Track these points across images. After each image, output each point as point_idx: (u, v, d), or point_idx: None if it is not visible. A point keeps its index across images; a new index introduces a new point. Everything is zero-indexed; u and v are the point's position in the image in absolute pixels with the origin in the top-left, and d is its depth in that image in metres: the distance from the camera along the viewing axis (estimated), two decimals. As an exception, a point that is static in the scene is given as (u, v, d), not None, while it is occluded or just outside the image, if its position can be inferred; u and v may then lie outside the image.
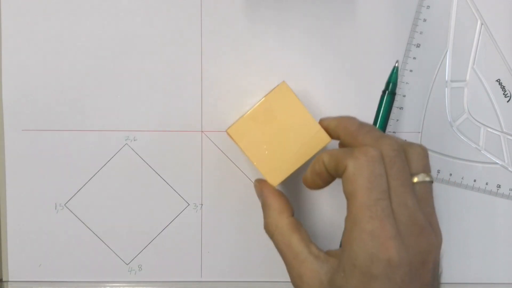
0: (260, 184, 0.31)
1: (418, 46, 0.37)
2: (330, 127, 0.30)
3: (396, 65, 0.32)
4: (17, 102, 0.38)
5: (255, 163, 0.31)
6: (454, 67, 0.37)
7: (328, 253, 0.28)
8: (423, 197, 0.27)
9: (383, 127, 0.31)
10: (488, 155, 0.38)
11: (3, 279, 0.38)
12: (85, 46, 0.38)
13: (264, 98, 0.31)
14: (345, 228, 0.26)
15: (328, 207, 0.38)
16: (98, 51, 0.38)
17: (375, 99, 0.38)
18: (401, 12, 0.37)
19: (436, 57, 0.38)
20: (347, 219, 0.26)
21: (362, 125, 0.29)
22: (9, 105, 0.38)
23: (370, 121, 0.38)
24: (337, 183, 0.29)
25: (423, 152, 0.28)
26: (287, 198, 0.31)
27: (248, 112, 0.31)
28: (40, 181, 0.38)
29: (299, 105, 0.31)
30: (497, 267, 0.38)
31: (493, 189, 0.38)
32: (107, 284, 0.38)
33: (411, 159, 0.27)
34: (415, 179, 0.27)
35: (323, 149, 0.31)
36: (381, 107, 0.31)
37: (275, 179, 0.31)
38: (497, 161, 0.38)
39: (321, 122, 0.31)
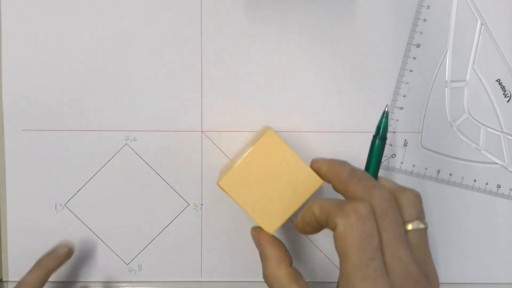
0: (257, 233, 0.31)
1: (418, 46, 0.37)
2: (322, 171, 0.30)
3: (386, 109, 0.31)
4: (17, 102, 0.38)
5: (249, 213, 0.31)
6: (454, 67, 0.37)
7: None
8: (418, 245, 0.26)
9: (375, 172, 0.30)
10: (488, 155, 0.38)
11: (3, 279, 0.38)
12: (85, 46, 0.38)
13: (252, 148, 0.31)
14: (339, 285, 0.25)
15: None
16: (98, 51, 0.38)
17: (375, 99, 0.38)
18: (401, 12, 0.37)
19: (436, 57, 0.37)
20: (340, 276, 0.25)
21: (353, 172, 0.28)
22: (9, 105, 0.38)
23: (370, 121, 0.38)
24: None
25: (416, 198, 0.27)
26: (285, 246, 0.30)
27: (237, 163, 0.31)
28: (40, 181, 0.38)
29: (288, 150, 0.31)
30: (497, 267, 0.38)
31: (493, 189, 0.38)
32: (107, 284, 0.38)
33: (403, 206, 0.27)
34: (409, 227, 0.26)
35: (316, 192, 0.31)
36: (372, 152, 0.31)
37: (271, 227, 0.31)
38: (497, 161, 0.38)
39: (312, 163, 0.31)
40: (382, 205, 0.26)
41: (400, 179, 0.38)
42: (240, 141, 0.38)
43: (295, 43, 0.37)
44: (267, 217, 0.31)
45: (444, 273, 0.38)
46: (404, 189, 0.28)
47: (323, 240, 0.38)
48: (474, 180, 0.38)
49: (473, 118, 0.38)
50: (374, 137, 0.31)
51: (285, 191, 0.31)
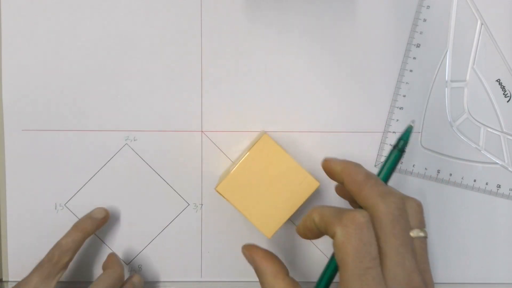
0: (249, 251, 0.31)
1: (418, 46, 0.37)
2: (335, 170, 0.30)
3: (412, 124, 0.31)
4: (17, 102, 0.38)
5: (248, 217, 0.32)
6: (454, 67, 0.37)
7: None
8: (419, 253, 0.27)
9: (386, 180, 0.31)
10: (488, 155, 0.38)
11: (3, 279, 0.38)
12: (85, 46, 0.38)
13: (248, 153, 0.32)
14: None
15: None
16: (98, 51, 0.38)
17: (375, 99, 0.38)
18: (401, 12, 0.37)
19: (436, 57, 0.38)
20: (340, 283, 0.26)
21: (369, 176, 0.28)
22: (9, 105, 0.38)
23: (370, 121, 0.38)
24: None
25: (419, 208, 0.28)
26: (279, 258, 0.30)
27: (234, 168, 0.32)
28: (40, 181, 0.38)
29: (284, 154, 0.32)
30: (497, 267, 0.38)
31: (493, 189, 0.38)
32: (107, 284, 0.38)
33: (408, 214, 0.27)
34: (411, 234, 0.27)
35: (313, 194, 0.32)
36: (387, 160, 0.31)
37: (269, 230, 0.32)
38: (497, 161, 0.38)
39: (325, 162, 0.31)
40: (395, 212, 0.26)
41: (400, 179, 0.38)
42: (240, 141, 0.38)
43: (295, 43, 0.37)
44: (265, 220, 0.32)
45: (443, 273, 0.38)
46: (408, 198, 0.28)
47: (323, 240, 0.38)
48: (474, 180, 0.38)
49: (473, 118, 0.38)
50: (393, 147, 0.31)
51: (282, 194, 0.32)
